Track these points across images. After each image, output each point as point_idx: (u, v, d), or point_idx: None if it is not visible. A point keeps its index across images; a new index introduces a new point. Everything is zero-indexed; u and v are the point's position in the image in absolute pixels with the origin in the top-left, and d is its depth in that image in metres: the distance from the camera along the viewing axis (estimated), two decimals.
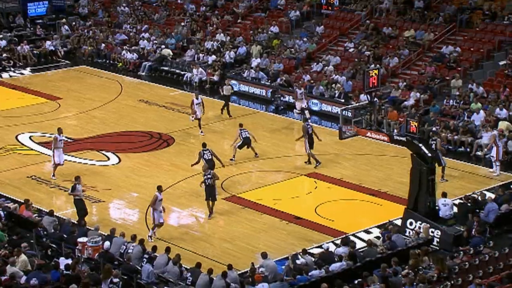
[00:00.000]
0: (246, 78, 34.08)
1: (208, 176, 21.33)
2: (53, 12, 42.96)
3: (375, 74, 20.33)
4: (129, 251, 17.99)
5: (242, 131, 25.44)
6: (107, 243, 18.08)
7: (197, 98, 27.39)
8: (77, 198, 20.39)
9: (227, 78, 32.52)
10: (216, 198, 21.55)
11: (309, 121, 26.05)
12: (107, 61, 38.67)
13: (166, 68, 36.72)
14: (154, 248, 18.14)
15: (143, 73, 36.92)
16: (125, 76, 36.53)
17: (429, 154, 19.79)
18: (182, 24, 39.87)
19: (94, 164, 25.50)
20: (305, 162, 24.85)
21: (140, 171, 24.85)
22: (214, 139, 27.01)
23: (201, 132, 27.16)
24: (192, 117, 27.49)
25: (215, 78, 34.80)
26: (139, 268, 17.54)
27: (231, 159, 25.14)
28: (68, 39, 40.93)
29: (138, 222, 21.45)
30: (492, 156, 24.48)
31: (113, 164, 25.63)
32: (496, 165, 24.35)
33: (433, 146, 23.61)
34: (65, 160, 24.58)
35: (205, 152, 23.10)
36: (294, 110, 28.43)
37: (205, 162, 22.79)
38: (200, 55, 36.69)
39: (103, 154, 26.46)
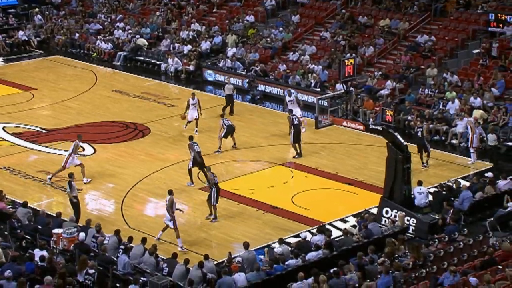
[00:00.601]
0: (222, 68, 33.98)
1: (216, 177, 20.58)
2: (25, 2, 42.47)
3: (351, 63, 20.38)
4: (104, 242, 17.91)
5: (224, 120, 25.35)
6: (82, 234, 17.97)
7: (193, 98, 26.50)
8: (74, 199, 20.07)
9: (253, 82, 31.09)
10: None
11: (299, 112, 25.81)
12: (81, 51, 38.32)
13: (141, 58, 36.49)
14: (130, 239, 18.07)
15: (118, 63, 36.66)
16: (99, 66, 36.22)
17: (404, 143, 19.90)
18: (157, 13, 39.61)
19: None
20: (294, 157, 24.59)
21: (115, 162, 24.71)
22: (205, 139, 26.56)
23: (196, 131, 26.39)
24: (185, 125, 26.23)
25: (191, 68, 34.66)
26: (115, 259, 17.47)
27: (217, 151, 25.00)
28: (41, 28, 40.49)
29: (114, 213, 21.36)
30: (466, 144, 24.70)
31: (88, 155, 25.45)
32: (471, 153, 24.56)
33: (419, 134, 23.83)
34: (40, 151, 24.34)
35: (194, 144, 22.69)
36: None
37: (195, 153, 22.51)
38: (176, 44, 36.50)
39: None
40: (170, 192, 19.66)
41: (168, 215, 19.33)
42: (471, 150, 24.59)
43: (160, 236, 19.44)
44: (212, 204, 20.62)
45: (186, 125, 26.75)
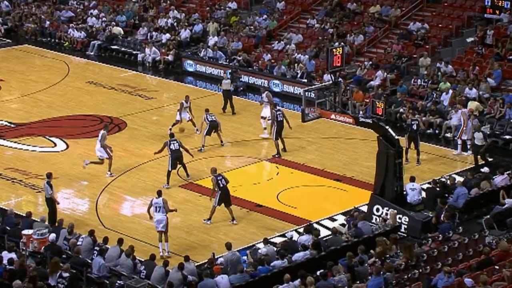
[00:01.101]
0: (203, 57, 33.94)
1: (219, 178, 20.48)
2: None
3: (339, 52, 20.42)
4: (78, 243, 17.85)
5: (208, 115, 25.23)
6: (53, 235, 17.90)
7: (186, 101, 26.09)
8: (49, 198, 19.98)
9: (236, 73, 30.87)
10: (231, 203, 20.63)
11: (279, 107, 25.82)
12: (52, 40, 38.11)
13: (116, 48, 36.36)
14: (105, 240, 18.02)
15: (92, 53, 36.50)
16: (72, 56, 36.07)
17: (396, 137, 19.98)
18: (134, 0, 39.45)
19: (40, 151, 25.16)
20: (274, 156, 24.56)
21: (89, 158, 24.60)
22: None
23: (197, 130, 25.76)
24: (170, 129, 25.45)
25: (170, 58, 34.59)
26: (89, 261, 17.42)
27: (200, 149, 24.95)
28: (8, 16, 40.22)
29: (88, 212, 21.30)
30: (457, 137, 24.91)
31: (61, 151, 25.34)
32: (458, 144, 24.74)
33: (414, 127, 23.93)
34: (8, 147, 24.22)
35: (172, 142, 22.64)
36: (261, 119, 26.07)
37: (170, 152, 22.54)
38: (153, 33, 36.40)
39: (49, 140, 26.14)
40: (159, 193, 19.42)
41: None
42: (459, 141, 24.73)
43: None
44: (213, 205, 20.45)
45: (172, 127, 26.05)
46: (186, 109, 26.33)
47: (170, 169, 22.52)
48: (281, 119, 24.73)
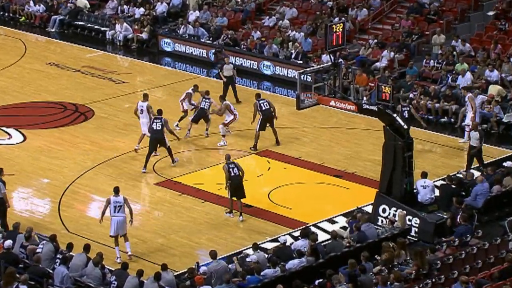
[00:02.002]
0: (183, 35, 33.89)
1: (232, 166, 20.88)
2: None
3: (340, 29, 20.44)
4: (37, 250, 17.83)
5: (204, 98, 25.35)
6: (8, 242, 17.86)
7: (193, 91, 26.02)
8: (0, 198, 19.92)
9: (220, 53, 30.90)
10: (245, 195, 21.04)
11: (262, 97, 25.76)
12: (6, 14, 37.95)
13: (81, 24, 36.25)
14: (70, 246, 18.01)
15: (53, 30, 36.38)
16: (29, 33, 35.94)
17: (405, 126, 20.04)
18: None
19: None
20: (251, 148, 24.71)
21: (51, 152, 24.57)
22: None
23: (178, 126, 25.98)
24: (176, 124, 25.59)
25: (144, 36, 34.52)
26: (51, 271, 17.39)
27: (186, 135, 25.14)
28: None
29: (49, 215, 21.27)
30: (466, 125, 25.04)
31: (17, 143, 25.29)
32: (465, 131, 24.92)
33: (405, 115, 23.97)
34: None
35: (155, 121, 23.03)
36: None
37: (151, 131, 23.07)
38: (125, 7, 36.32)
39: (3, 130, 26.08)
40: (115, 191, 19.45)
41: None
42: (466, 128, 24.92)
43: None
44: (228, 197, 20.98)
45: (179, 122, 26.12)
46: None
47: (149, 151, 23.03)
48: (267, 107, 24.72)
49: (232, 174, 20.91)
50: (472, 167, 22.88)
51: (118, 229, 19.14)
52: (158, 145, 23.28)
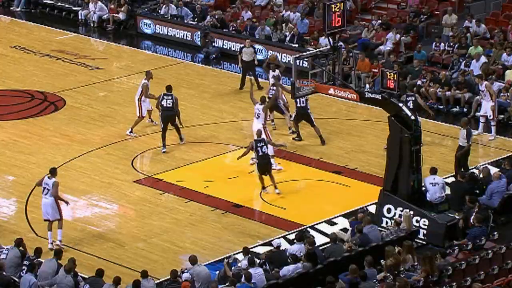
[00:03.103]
0: (164, 16, 33.87)
1: (261, 144, 21.65)
2: None
3: (340, 9, 20.46)
4: (1, 256, 17.83)
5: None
6: None
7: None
8: None
9: (207, 35, 31.32)
10: (270, 171, 22.01)
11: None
12: None
13: (50, 2, 36.18)
14: (38, 252, 18.02)
15: (18, 9, 36.34)
16: None
17: (413, 117, 20.10)
18: None
19: None
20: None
21: (16, 146, 24.56)
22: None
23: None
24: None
25: (121, 16, 34.49)
26: (16, 279, 17.40)
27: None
28: None
29: (15, 216, 21.27)
30: (482, 116, 25.20)
31: None
32: (492, 126, 25.07)
33: (410, 104, 23.99)
34: None
35: (165, 96, 23.28)
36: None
37: (161, 108, 23.66)
38: None
39: None
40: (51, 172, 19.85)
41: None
42: (481, 119, 25.08)
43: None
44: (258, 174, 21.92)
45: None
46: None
47: (163, 130, 23.71)
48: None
49: (260, 153, 21.69)
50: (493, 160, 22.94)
51: (46, 213, 19.57)
52: (170, 123, 23.87)
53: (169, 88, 23.96)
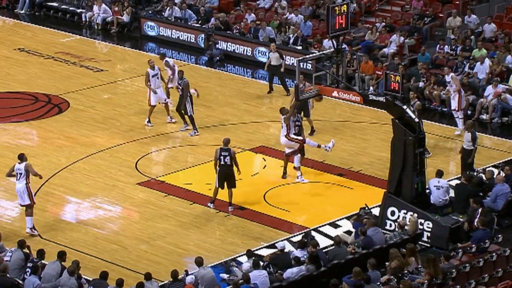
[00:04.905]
0: (168, 18, 33.88)
1: (224, 154, 21.15)
2: None
3: (344, 11, 20.46)
4: (5, 258, 17.83)
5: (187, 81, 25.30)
6: None
7: (153, 69, 25.97)
8: None
9: (211, 38, 31.52)
10: (235, 185, 21.35)
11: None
12: None
13: (55, 5, 36.22)
14: (41, 254, 18.02)
15: (22, 11, 36.36)
16: None
17: (416, 120, 20.08)
18: None
19: None
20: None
21: (20, 148, 24.51)
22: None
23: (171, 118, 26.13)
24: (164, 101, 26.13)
25: (125, 18, 34.50)
26: (20, 281, 17.38)
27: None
28: None
29: (19, 219, 21.24)
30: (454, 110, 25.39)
31: None
32: (459, 118, 25.25)
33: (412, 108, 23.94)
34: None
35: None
36: None
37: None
38: None
39: None
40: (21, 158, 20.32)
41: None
42: (458, 114, 25.23)
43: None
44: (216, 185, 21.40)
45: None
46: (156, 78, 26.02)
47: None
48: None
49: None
50: (496, 163, 22.91)
51: (20, 198, 20.16)
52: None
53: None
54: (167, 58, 27.21)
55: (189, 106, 25.15)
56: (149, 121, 25.76)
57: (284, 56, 28.79)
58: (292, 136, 22.64)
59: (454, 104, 25.42)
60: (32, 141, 25.27)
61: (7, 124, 26.24)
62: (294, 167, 22.83)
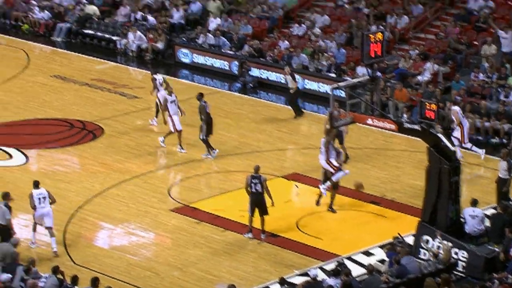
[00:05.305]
0: (202, 45, 34.02)
1: (255, 181, 21.13)
2: None
3: (378, 39, 20.43)
4: (39, 284, 17.86)
5: (205, 103, 25.39)
6: (6, 275, 17.91)
7: (170, 95, 26.23)
8: (4, 226, 20.18)
9: (244, 65, 31.87)
10: (267, 212, 21.28)
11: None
12: (7, 22, 38.30)
13: (90, 32, 36.51)
14: (75, 280, 18.04)
15: (59, 39, 36.67)
16: (33, 43, 36.24)
17: (452, 148, 19.96)
18: None
19: None
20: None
21: (55, 174, 24.69)
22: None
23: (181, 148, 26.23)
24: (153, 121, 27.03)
25: (159, 45, 34.68)
26: None
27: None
28: None
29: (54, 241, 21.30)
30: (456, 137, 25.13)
31: (18, 165, 25.42)
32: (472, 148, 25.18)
33: None
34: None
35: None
36: None
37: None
38: (138, 13, 36.52)
39: (3, 150, 26.23)
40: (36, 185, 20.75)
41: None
42: (468, 146, 25.13)
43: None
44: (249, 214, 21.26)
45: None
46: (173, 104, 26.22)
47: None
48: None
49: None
50: None
51: (46, 221, 20.67)
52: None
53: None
54: (156, 75, 27.90)
55: (203, 130, 25.29)
56: (181, 148, 25.82)
57: (296, 78, 28.87)
58: (332, 161, 22.55)
59: (457, 136, 25.13)
60: (67, 167, 25.38)
61: (43, 150, 26.38)
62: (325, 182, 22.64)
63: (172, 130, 25.83)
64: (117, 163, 25.48)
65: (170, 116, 26.01)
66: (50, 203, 20.77)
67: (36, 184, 20.85)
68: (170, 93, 26.43)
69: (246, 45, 33.15)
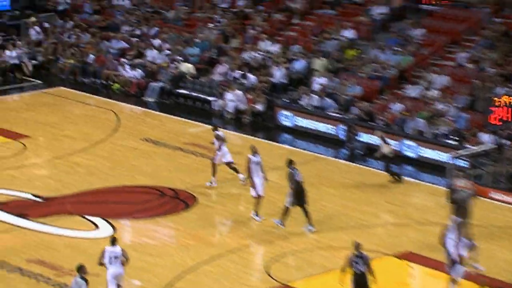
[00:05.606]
0: (305, 107, 34.10)
1: (356, 260, 20.91)
2: (17, 8, 43.58)
3: (506, 103, 20.15)
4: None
5: (294, 170, 25.44)
6: None
7: (254, 155, 26.55)
8: None
9: (353, 129, 32.06)
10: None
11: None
12: (97, 81, 39.13)
13: (185, 92, 36.99)
14: None
15: (151, 99, 37.23)
16: (123, 104, 36.93)
17: None
18: (211, 25, 40.19)
19: (75, 236, 25.56)
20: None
21: (144, 247, 24.83)
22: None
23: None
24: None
25: (259, 107, 34.88)
26: None
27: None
28: (39, 47, 41.57)
29: None
30: None
31: (104, 236, 25.65)
32: None
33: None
34: (32, 230, 25.19)
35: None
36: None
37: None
38: (237, 72, 36.89)
39: (89, 220, 26.56)
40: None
41: None
42: None
43: None
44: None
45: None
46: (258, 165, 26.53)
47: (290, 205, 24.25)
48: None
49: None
50: None
51: (113, 281, 21.01)
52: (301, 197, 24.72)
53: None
54: (218, 131, 28.55)
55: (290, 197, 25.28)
56: (256, 214, 25.91)
57: (387, 140, 29.02)
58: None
59: None
60: (156, 239, 25.51)
61: (132, 220, 26.64)
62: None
63: (254, 194, 25.90)
64: (210, 236, 25.52)
65: (251, 178, 25.98)
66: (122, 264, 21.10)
67: (113, 241, 21.15)
68: (253, 154, 26.45)
69: (354, 107, 33.09)
